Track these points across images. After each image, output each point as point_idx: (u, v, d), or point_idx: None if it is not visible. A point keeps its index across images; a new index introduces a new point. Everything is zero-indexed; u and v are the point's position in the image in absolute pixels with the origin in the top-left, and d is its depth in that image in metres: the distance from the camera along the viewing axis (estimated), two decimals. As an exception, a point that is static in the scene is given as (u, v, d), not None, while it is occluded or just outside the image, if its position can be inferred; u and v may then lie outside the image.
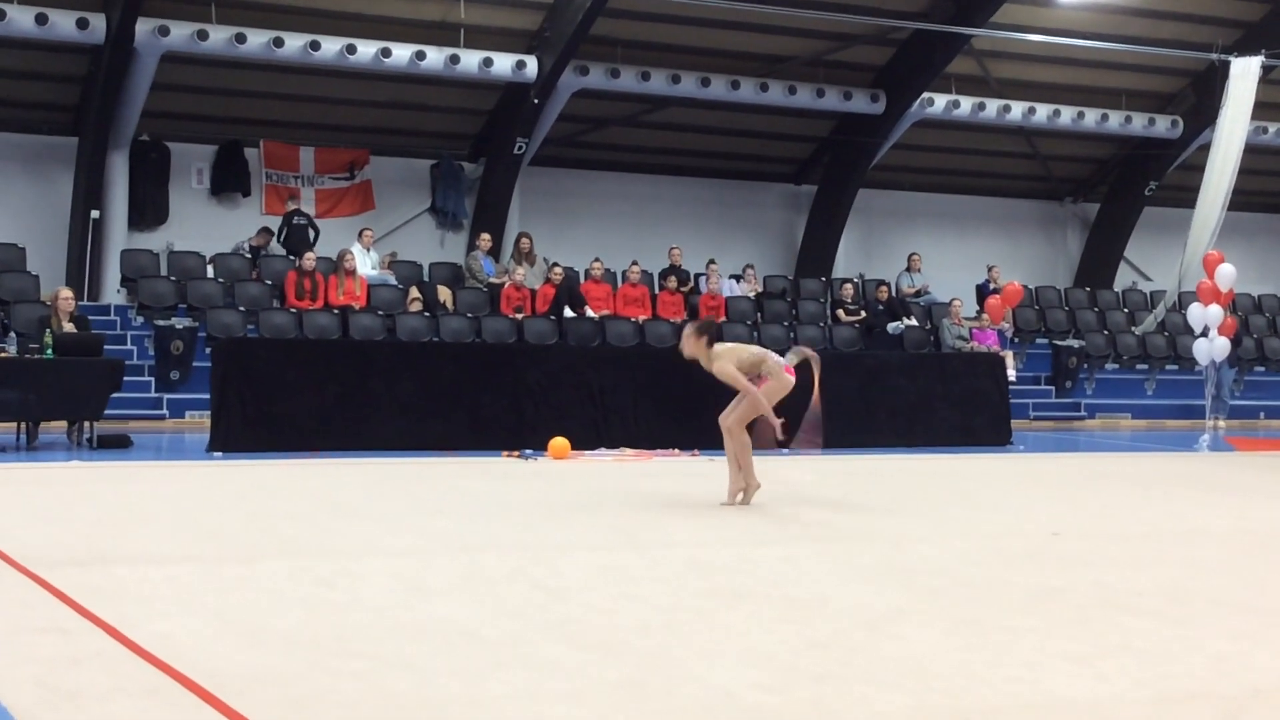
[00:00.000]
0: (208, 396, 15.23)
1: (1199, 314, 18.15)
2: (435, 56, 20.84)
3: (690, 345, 10.48)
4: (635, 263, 22.20)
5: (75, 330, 15.61)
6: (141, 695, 4.83)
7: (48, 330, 15.13)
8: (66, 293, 16.15)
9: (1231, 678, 5.39)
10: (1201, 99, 25.09)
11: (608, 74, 21.89)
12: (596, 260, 21.95)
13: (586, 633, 5.98)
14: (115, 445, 14.87)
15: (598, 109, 23.20)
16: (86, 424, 14.99)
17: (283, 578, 7.17)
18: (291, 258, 20.77)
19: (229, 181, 22.16)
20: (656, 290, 22.26)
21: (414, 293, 20.73)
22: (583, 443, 15.14)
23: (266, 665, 5.27)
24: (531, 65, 21.33)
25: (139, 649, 5.48)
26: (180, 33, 19.61)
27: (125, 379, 15.46)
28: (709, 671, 5.31)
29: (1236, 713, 4.88)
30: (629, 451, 15.32)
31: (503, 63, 21.21)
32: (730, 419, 10.37)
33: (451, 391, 15.63)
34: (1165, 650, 5.83)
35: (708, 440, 15.81)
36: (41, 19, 18.98)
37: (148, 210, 21.64)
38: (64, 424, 15.41)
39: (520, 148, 22.43)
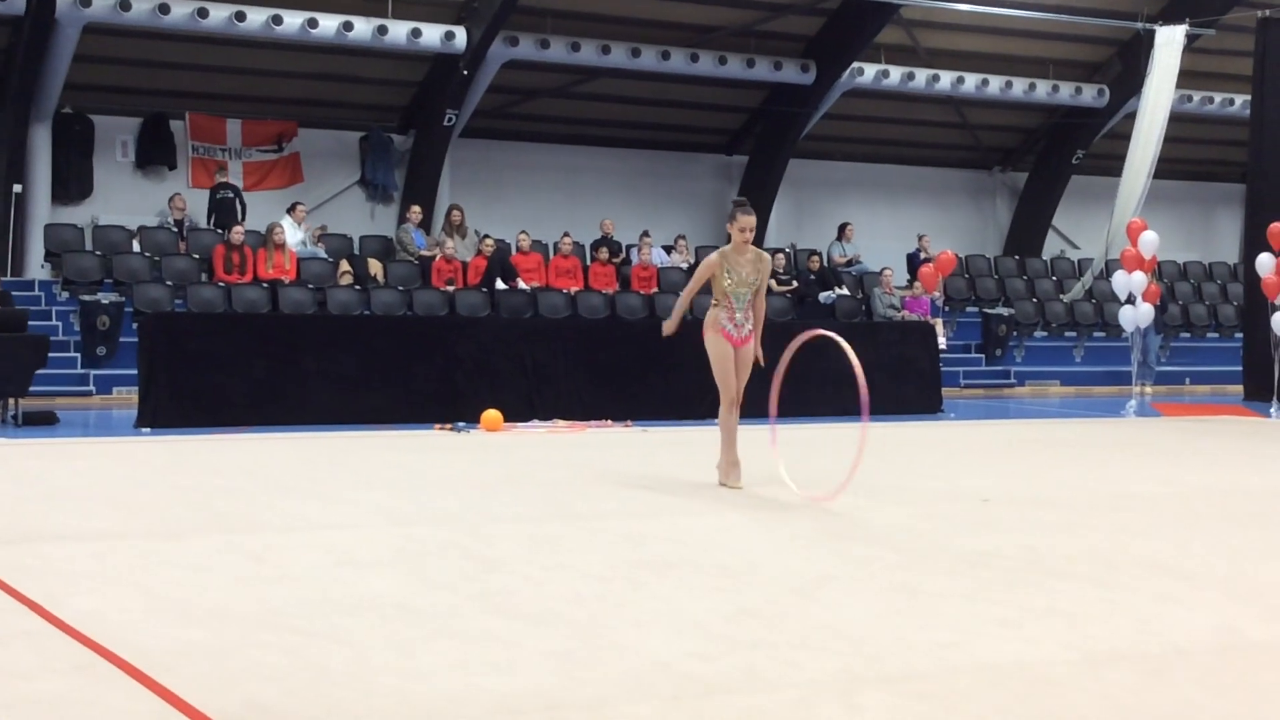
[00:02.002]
0: (135, 372, 15.09)
1: (1123, 281, 18.36)
2: (363, 27, 20.66)
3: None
4: (567, 234, 22.15)
5: (-2, 306, 15.41)
6: (70, 673, 4.79)
7: (-30, 306, 14.94)
8: (-11, 268, 15.95)
9: (1155, 638, 5.48)
10: (1127, 68, 25.31)
11: (537, 45, 21.79)
12: (522, 232, 21.87)
13: (519, 604, 5.99)
14: (41, 422, 14.69)
15: (528, 80, 23.10)
16: (11, 401, 14.80)
17: (212, 553, 7.12)
18: (219, 231, 20.57)
19: (154, 154, 21.88)
20: (588, 262, 22.22)
21: (344, 266, 20.58)
22: (515, 415, 15.13)
23: (195, 640, 5.24)
24: (460, 36, 21.20)
25: (66, 626, 5.43)
26: (102, 3, 19.27)
27: (51, 355, 15.26)
28: (641, 641, 5.33)
29: (1159, 672, 4.96)
30: (562, 423, 15.32)
31: (431, 33, 21.07)
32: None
33: (383, 365, 15.55)
34: (1091, 613, 5.92)
35: (641, 411, 15.92)
36: (-42, -10, 18.67)
37: (71, 184, 21.35)
38: (-12, 401, 15.21)
39: (450, 119, 22.31)
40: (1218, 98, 26.07)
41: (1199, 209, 29.30)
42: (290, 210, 20.88)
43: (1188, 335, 25.89)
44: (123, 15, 19.43)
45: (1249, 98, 21.80)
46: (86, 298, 18.67)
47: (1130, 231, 18.44)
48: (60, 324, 18.90)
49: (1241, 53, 23.49)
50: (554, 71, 23.00)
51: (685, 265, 23.15)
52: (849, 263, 24.41)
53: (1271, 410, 17.74)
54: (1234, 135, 25.97)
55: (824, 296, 22.59)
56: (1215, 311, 26.36)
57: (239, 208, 21.18)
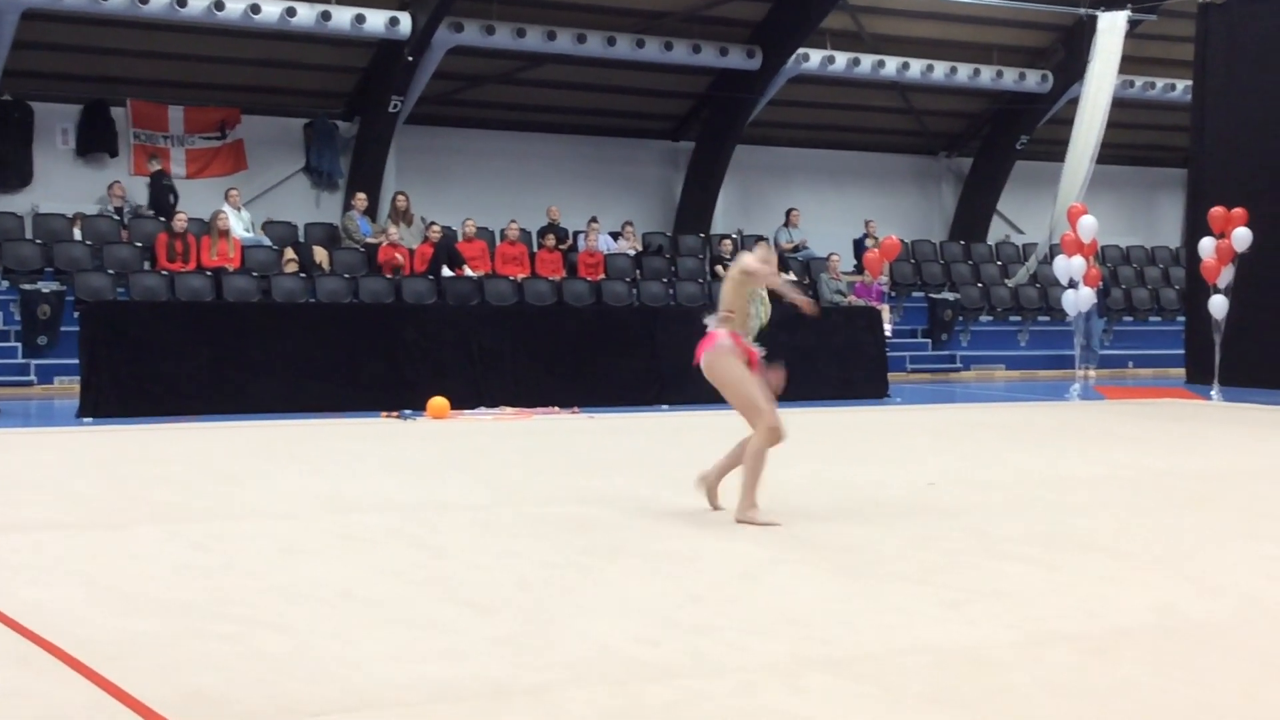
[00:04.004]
0: (77, 362, 14.93)
1: (1065, 266, 18.47)
2: (306, 13, 20.49)
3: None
4: (513, 221, 22.08)
5: (-63, 296, 15.23)
6: (10, 664, 4.76)
7: (-92, 296, 14.75)
8: (-73, 257, 15.75)
9: (1096, 619, 5.53)
10: (1070, 54, 25.44)
11: (483, 30, 21.69)
12: (469, 219, 21.79)
13: (465, 590, 5.99)
14: (-18, 413, 14.58)
15: (473, 66, 22.99)
16: (-49, 392, 14.66)
17: (155, 542, 7.08)
18: (161, 219, 20.41)
19: (96, 141, 21.64)
20: (535, 249, 22.17)
21: (289, 254, 20.44)
22: (462, 402, 15.09)
23: (139, 630, 5.21)
24: (405, 22, 21.08)
25: (7, 618, 5.38)
26: (40, -11, 19.11)
27: (-10, 345, 15.12)
28: (588, 626, 5.34)
29: (1099, 652, 5.02)
30: (509, 410, 15.30)
31: (375, 19, 20.92)
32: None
33: (329, 353, 15.48)
34: (1033, 594, 5.97)
35: (587, 398, 15.92)
36: (-106, -26, 18.40)
37: (10, 171, 21.08)
38: (-72, 392, 15.05)
39: (395, 106, 22.18)
40: (1159, 83, 26.27)
41: (1141, 193, 29.52)
42: (226, 196, 20.70)
43: (1130, 319, 26.11)
44: (62, 1, 19.21)
45: (1190, 83, 21.96)
46: (27, 287, 18.50)
47: (1070, 216, 18.55)
48: (0, 314, 18.69)
49: (1183, 38, 23.66)
50: (499, 57, 22.90)
51: (632, 252, 23.14)
52: (795, 249, 24.46)
53: (1213, 393, 17.91)
54: (1176, 120, 26.15)
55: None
56: (1157, 295, 26.60)
57: (171, 197, 21.04)
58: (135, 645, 4.98)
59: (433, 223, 21.40)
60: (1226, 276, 17.83)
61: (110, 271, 19.03)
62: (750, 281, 7.90)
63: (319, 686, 4.49)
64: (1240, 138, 19.91)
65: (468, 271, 20.69)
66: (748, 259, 7.87)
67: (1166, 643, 5.17)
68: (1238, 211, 17.79)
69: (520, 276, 21.07)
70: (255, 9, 20.10)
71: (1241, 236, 17.68)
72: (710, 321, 7.88)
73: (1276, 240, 18.35)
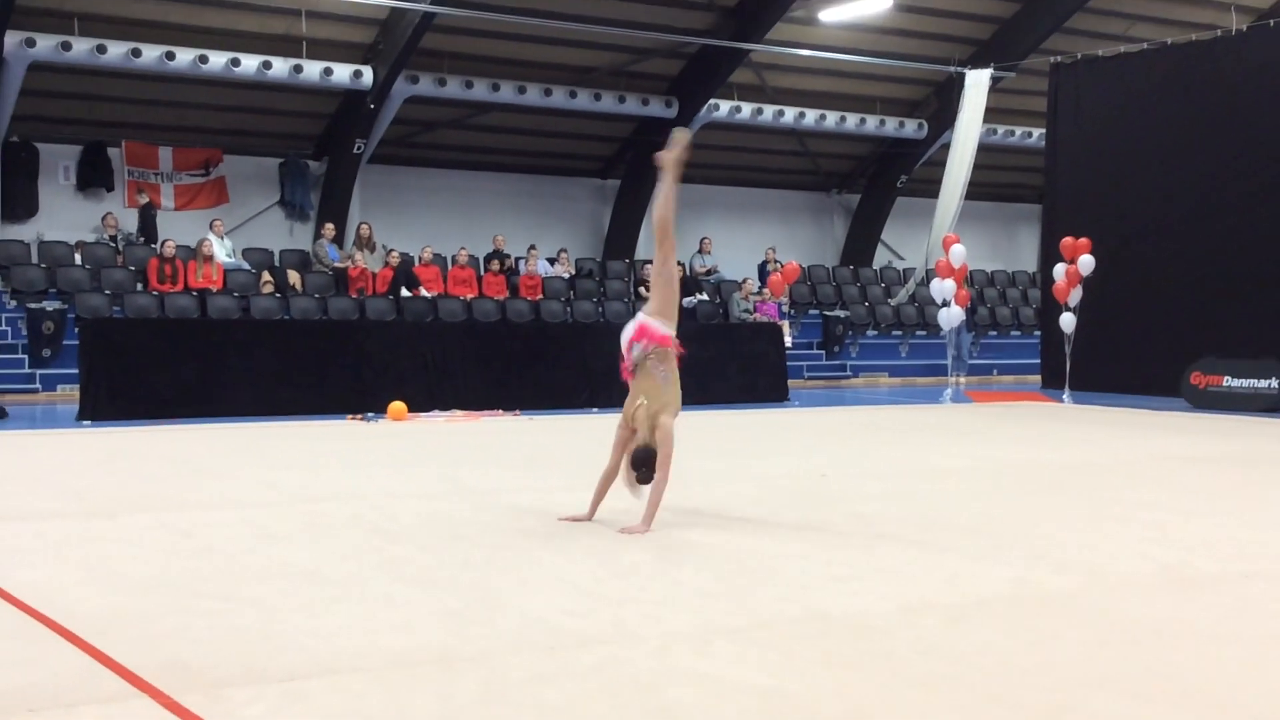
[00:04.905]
0: (77, 371, 14.73)
1: (939, 287, 18.64)
2: (281, 66, 20.33)
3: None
4: (463, 248, 21.98)
5: (-48, 313, 14.95)
6: (12, 637, 4.67)
7: (-75, 313, 14.48)
8: (-57, 279, 15.47)
9: (961, 591, 5.57)
10: (942, 105, 25.69)
11: (436, 82, 21.60)
12: (426, 247, 21.70)
13: (416, 570, 5.94)
14: (-9, 416, 14.32)
15: (427, 113, 22.88)
16: (-36, 398, 14.40)
17: (143, 529, 6.98)
18: (151, 245, 20.19)
19: (94, 178, 21.34)
20: (482, 272, 22.09)
21: (266, 276, 20.23)
22: (418, 405, 15.02)
23: (127, 607, 5.13)
24: (367, 74, 20.95)
25: (10, 596, 5.29)
26: (46, 44, 18.80)
27: (1, 356, 14.84)
28: (524, 600, 5.32)
29: (962, 619, 5.05)
30: (459, 413, 15.23)
31: (342, 72, 20.79)
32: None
33: (301, 363, 15.35)
34: (909, 570, 6.01)
35: (527, 402, 15.88)
36: (-86, 31, 18.10)
37: (19, 204, 20.76)
38: (-57, 398, 14.77)
39: (359, 147, 22.04)
40: (1018, 131, 26.57)
41: (1003, 225, 29.84)
42: (210, 226, 20.51)
43: (994, 333, 26.38)
44: (65, 54, 18.96)
45: (1044, 131, 22.24)
46: (33, 305, 18.25)
47: (944, 244, 18.73)
48: (9, 329, 18.39)
49: (1037, 92, 23.93)
50: (450, 106, 22.81)
51: (566, 275, 23.11)
52: (708, 272, 24.52)
53: (1064, 396, 18.12)
54: (1032, 163, 26.47)
55: (687, 302, 22.65)
56: (1017, 313, 26.90)
57: (156, 225, 20.85)
58: (122, 619, 4.91)
59: (392, 249, 21.26)
60: (1075, 296, 18.05)
61: (107, 292, 18.76)
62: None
63: (286, 655, 4.44)
64: (1086, 178, 20.18)
65: (423, 292, 20.57)
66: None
67: (1020, 610, 5.22)
68: (1084, 241, 18.03)
69: (469, 296, 20.98)
70: (235, 62, 19.92)
71: (1087, 263, 17.92)
72: (659, 324, 6.95)
73: (1116, 266, 18.65)
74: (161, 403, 14.40)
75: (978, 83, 23.70)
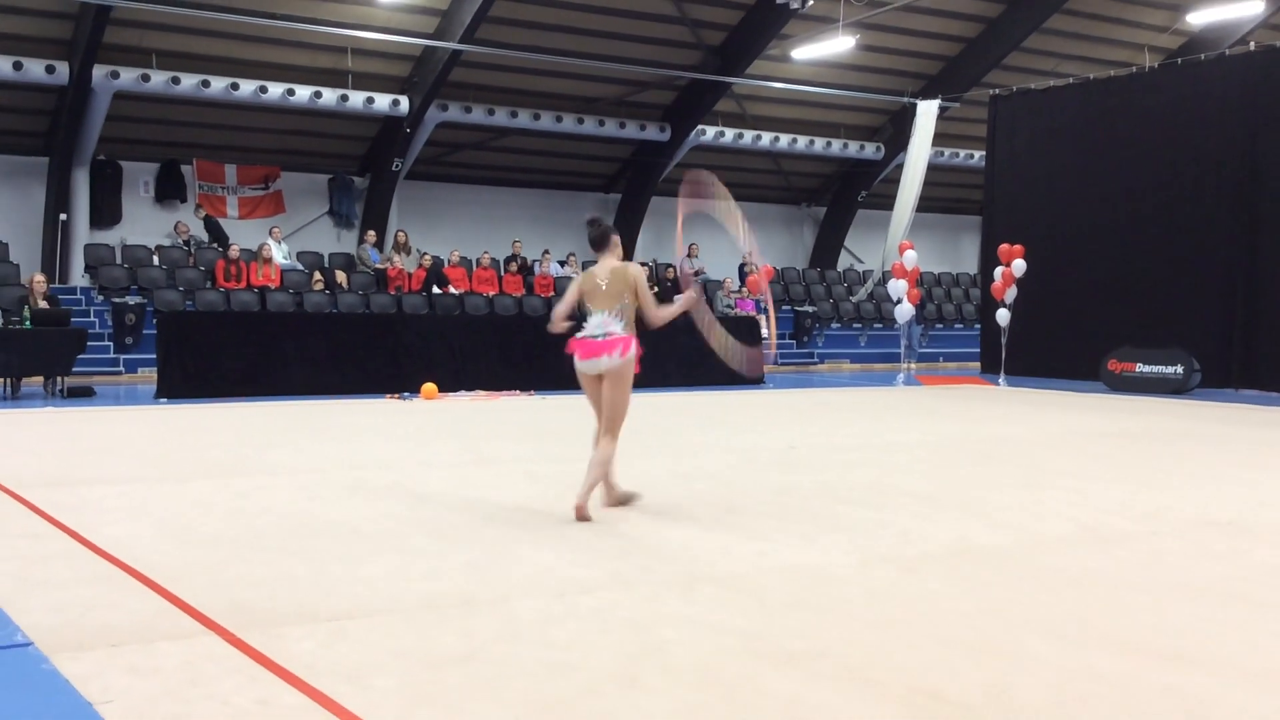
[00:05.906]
0: (155, 356, 14.71)
1: (894, 286, 18.63)
2: (330, 95, 20.27)
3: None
4: (486, 252, 21.96)
5: (48, 306, 14.90)
6: (94, 582, 4.68)
7: (26, 306, 14.48)
8: (40, 277, 15.38)
9: (911, 547, 5.58)
10: (897, 131, 25.63)
11: (463, 110, 21.55)
12: (455, 251, 21.66)
13: (443, 527, 5.95)
14: (81, 395, 14.26)
15: (456, 136, 22.82)
16: (59, 379, 14.37)
17: (210, 492, 6.98)
18: (217, 247, 20.18)
19: (169, 191, 21.29)
20: (503, 273, 22.06)
21: (317, 276, 20.19)
22: (447, 386, 15.02)
23: (196, 558, 5.14)
24: (404, 103, 20.90)
25: (95, 548, 5.29)
26: (128, 76, 18.75)
27: (89, 344, 14.88)
28: (535, 553, 5.32)
29: (911, 570, 5.06)
30: (482, 393, 15.22)
31: (382, 101, 20.74)
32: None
33: (346, 350, 15.32)
34: (866, 529, 6.01)
35: (540, 383, 15.87)
36: (17, 65, 18.04)
37: (106, 214, 20.72)
38: (40, 379, 14.73)
39: (397, 166, 21.99)
40: (962, 153, 26.54)
41: (949, 234, 29.81)
42: (269, 233, 20.50)
43: (941, 326, 26.36)
44: (144, 85, 18.91)
45: (984, 153, 22.21)
46: (117, 300, 18.22)
47: (898, 250, 18.71)
48: (97, 320, 18.36)
49: (978, 120, 23.94)
50: (475, 130, 22.76)
51: (575, 275, 23.07)
52: (696, 273, 24.48)
53: (1000, 380, 18.12)
54: (974, 181, 26.42)
55: (677, 298, 22.58)
56: (960, 309, 26.88)
57: (222, 232, 20.85)
58: (193, 569, 4.91)
59: (425, 253, 21.24)
60: (1010, 295, 18.04)
61: (180, 289, 18.74)
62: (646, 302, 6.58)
63: (332, 599, 4.45)
64: (1020, 193, 20.15)
65: (452, 290, 20.55)
66: (664, 312, 6.68)
67: (961, 563, 5.23)
68: (1018, 247, 18.01)
69: (491, 294, 20.95)
70: (291, 92, 19.87)
71: (1020, 266, 17.91)
72: (617, 328, 6.50)
73: (1045, 268, 18.62)
74: (227, 384, 14.38)
75: (927, 111, 23.66)
